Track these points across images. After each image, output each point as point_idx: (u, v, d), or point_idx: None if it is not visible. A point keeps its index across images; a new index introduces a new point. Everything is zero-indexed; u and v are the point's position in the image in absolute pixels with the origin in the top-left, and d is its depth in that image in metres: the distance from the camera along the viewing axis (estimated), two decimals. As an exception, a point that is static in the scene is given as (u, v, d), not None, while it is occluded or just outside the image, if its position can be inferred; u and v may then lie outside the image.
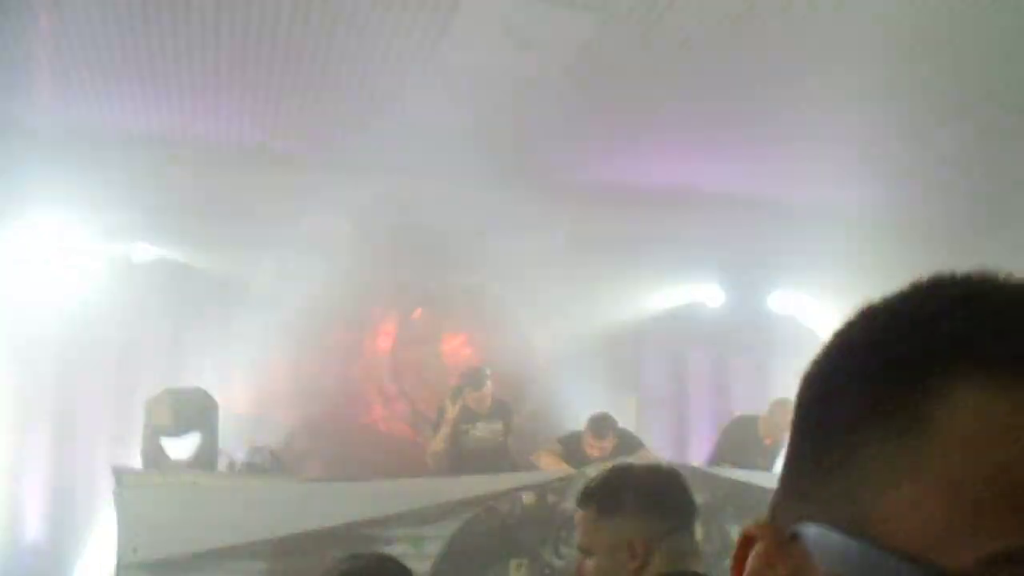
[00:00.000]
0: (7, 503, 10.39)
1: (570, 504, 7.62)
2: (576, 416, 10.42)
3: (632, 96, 9.47)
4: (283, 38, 8.49)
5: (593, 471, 7.70)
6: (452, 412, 9.20)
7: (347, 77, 9.13)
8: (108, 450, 10.54)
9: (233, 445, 9.54)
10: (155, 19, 8.17)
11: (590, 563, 3.04)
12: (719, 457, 9.78)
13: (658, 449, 10.11)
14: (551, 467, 8.71)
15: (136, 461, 9.82)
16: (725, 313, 12.50)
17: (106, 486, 10.14)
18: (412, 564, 7.16)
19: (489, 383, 9.22)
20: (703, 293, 12.44)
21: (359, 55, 8.73)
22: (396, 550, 7.27)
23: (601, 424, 9.13)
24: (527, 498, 7.62)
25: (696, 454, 11.70)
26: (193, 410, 7.75)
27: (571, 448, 9.06)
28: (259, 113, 9.93)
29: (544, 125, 10.13)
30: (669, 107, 9.68)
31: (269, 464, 7.87)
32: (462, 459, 8.94)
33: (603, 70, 8.98)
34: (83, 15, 8.14)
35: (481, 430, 9.09)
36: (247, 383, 10.73)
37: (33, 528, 10.39)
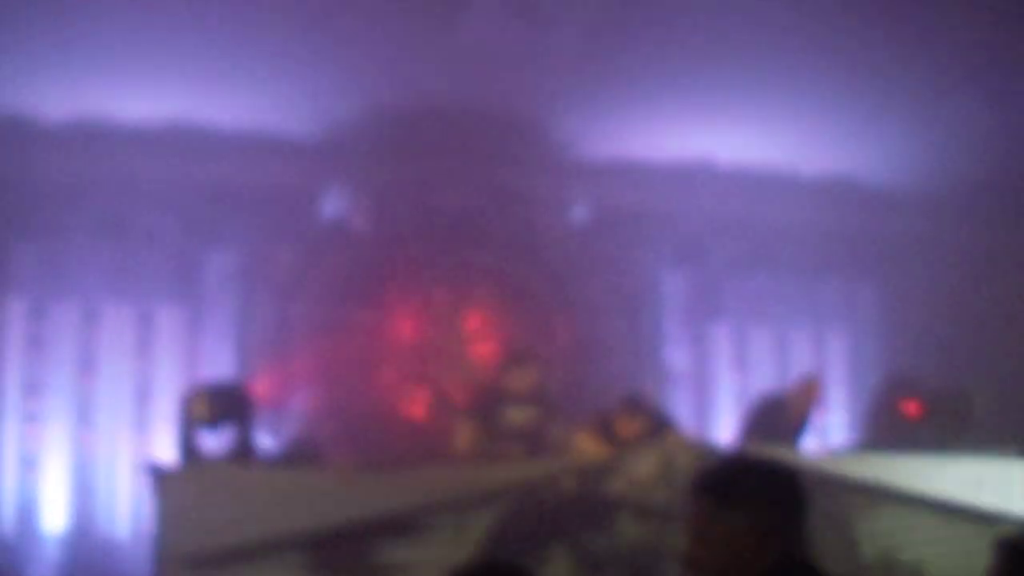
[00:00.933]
0: (26, 492, 10.37)
1: (611, 488, 7.62)
2: (599, 395, 10.41)
3: (648, 71, 9.41)
4: (294, 21, 8.42)
5: (633, 454, 7.73)
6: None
7: (361, 57, 9.06)
8: (127, 436, 10.59)
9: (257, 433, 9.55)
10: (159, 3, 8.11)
11: (702, 554, 3.06)
12: (746, 435, 9.75)
13: (683, 426, 10.12)
14: (590, 449, 8.68)
15: (157, 446, 9.87)
16: (744, 286, 12.46)
17: (126, 473, 10.24)
18: (454, 552, 7.21)
19: (535, 364, 9.11)
20: (721, 265, 12.35)
21: (373, 35, 8.66)
22: (437, 538, 7.29)
23: (633, 404, 9.09)
24: (567, 483, 7.60)
25: (719, 430, 11.70)
26: (230, 404, 7.71)
27: (604, 428, 9.01)
28: (274, 98, 9.86)
29: (561, 101, 10.08)
30: (684, 80, 9.63)
31: (308, 456, 7.85)
32: (494, 442, 8.86)
33: (618, 46, 8.93)
34: (89, 6, 8.07)
35: (516, 414, 9.00)
36: (267, 370, 10.71)
37: (53, 517, 10.36)
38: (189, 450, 7.59)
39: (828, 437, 12.12)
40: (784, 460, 3.65)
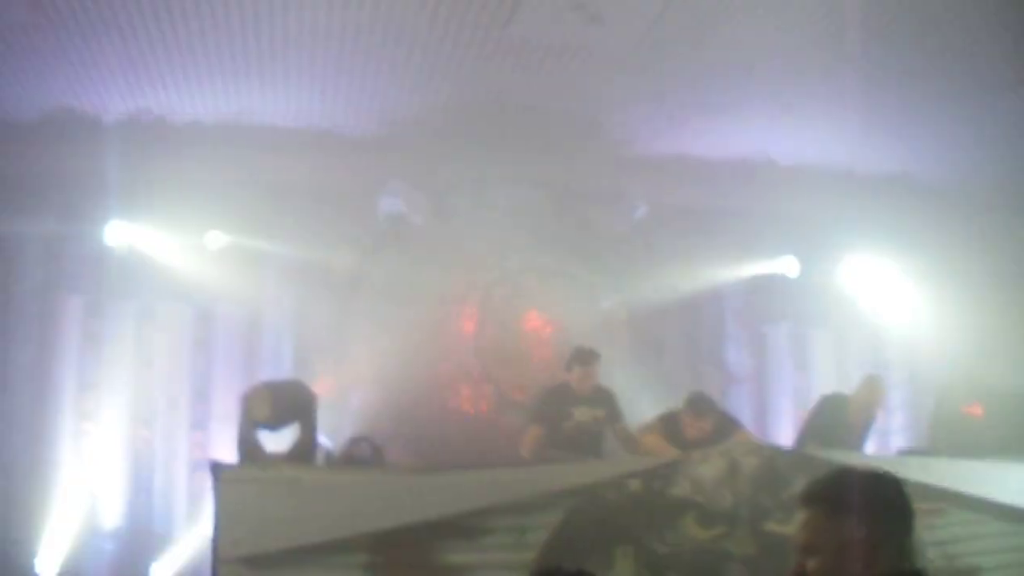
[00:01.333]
0: (86, 490, 10.37)
1: (675, 490, 7.54)
2: (658, 395, 10.34)
3: (705, 67, 9.34)
4: (351, 19, 8.36)
5: (699, 456, 7.63)
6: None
7: (419, 54, 9.01)
8: (185, 435, 10.59)
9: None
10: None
11: (813, 563, 3.05)
12: (808, 436, 9.63)
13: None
14: (655, 448, 8.60)
15: (214, 445, 9.85)
16: (802, 285, 12.33)
17: (183, 472, 10.23)
18: (516, 554, 7.13)
19: (598, 363, 9.04)
20: (780, 265, 12.21)
21: (430, 34, 8.61)
22: (499, 541, 7.21)
23: (699, 404, 9.03)
24: (633, 485, 7.50)
25: (779, 431, 11.60)
26: (291, 403, 7.60)
27: (670, 428, 8.95)
28: (330, 96, 9.84)
29: (618, 98, 10.01)
30: (742, 78, 9.55)
31: (369, 455, 7.76)
32: (560, 444, 8.79)
33: (676, 41, 8.85)
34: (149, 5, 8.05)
35: (582, 415, 8.95)
36: (328, 368, 10.69)
37: (112, 515, 10.38)
38: (249, 449, 7.50)
39: (889, 439, 12.01)
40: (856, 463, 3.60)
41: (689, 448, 8.51)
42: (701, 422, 8.88)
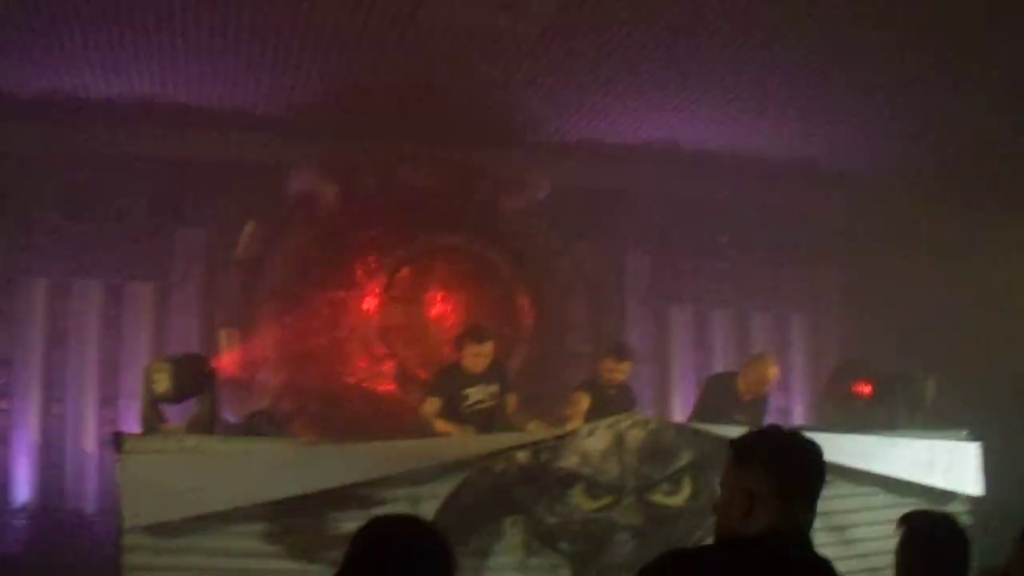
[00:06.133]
0: (-3, 465, 10.43)
1: (563, 462, 7.76)
2: (561, 373, 10.52)
3: (613, 53, 9.48)
4: (262, 2, 8.44)
5: (587, 429, 7.87)
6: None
7: (329, 36, 9.09)
8: (94, 412, 10.63)
9: (221, 407, 9.61)
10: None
11: (720, 500, 3.29)
12: (698, 415, 9.82)
13: (643, 405, 10.28)
14: (583, 405, 8.96)
15: (123, 421, 9.90)
16: (706, 267, 12.60)
17: (93, 447, 10.28)
18: (409, 524, 7.29)
19: (491, 341, 9.14)
20: (684, 246, 12.44)
21: (340, 17, 8.70)
22: (392, 510, 7.37)
23: (622, 348, 9.66)
24: (521, 457, 7.72)
25: (679, 409, 11.83)
26: (192, 377, 7.76)
27: (595, 388, 9.36)
28: (241, 77, 9.90)
29: (526, 82, 10.14)
30: (649, 64, 9.69)
31: (266, 428, 7.91)
32: (459, 423, 8.90)
33: (583, 27, 8.98)
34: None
35: (477, 393, 9.04)
36: (234, 345, 10.78)
37: (22, 489, 10.41)
38: (152, 422, 7.63)
39: (790, 416, 12.24)
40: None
41: (607, 397, 9.14)
42: (622, 364, 9.42)
